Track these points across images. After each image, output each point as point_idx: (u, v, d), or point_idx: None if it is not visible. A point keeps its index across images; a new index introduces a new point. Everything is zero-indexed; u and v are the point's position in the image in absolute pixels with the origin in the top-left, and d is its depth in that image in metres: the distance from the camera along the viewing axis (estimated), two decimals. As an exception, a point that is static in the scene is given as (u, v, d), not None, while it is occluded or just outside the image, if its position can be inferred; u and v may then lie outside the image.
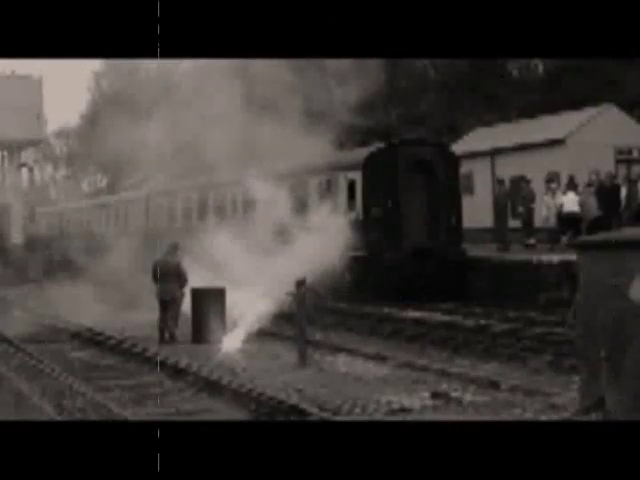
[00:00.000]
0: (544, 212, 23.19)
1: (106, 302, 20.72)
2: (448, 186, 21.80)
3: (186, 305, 16.23)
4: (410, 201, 21.28)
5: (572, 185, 22.85)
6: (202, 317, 15.86)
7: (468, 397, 10.44)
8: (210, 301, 15.94)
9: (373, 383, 11.62)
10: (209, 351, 14.61)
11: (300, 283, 13.46)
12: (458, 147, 29.19)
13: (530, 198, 23.90)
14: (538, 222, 23.71)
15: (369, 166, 21.22)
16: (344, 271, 19.26)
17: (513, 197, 25.47)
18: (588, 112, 29.04)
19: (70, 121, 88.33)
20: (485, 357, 13.90)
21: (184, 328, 16.04)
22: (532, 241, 23.39)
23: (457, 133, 35.36)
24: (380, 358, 13.41)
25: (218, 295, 16.05)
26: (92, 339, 16.83)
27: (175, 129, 22.73)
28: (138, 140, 22.65)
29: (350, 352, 14.16)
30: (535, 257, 20.16)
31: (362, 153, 22.10)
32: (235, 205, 25.82)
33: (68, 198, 56.68)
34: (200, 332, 15.79)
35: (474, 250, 22.52)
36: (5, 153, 37.68)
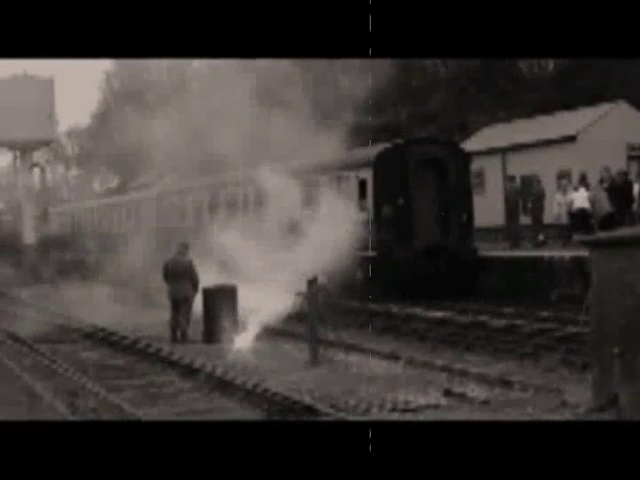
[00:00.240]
0: (555, 209, 23.12)
1: (119, 302, 20.75)
2: (459, 184, 21.74)
3: (197, 304, 16.26)
4: (421, 199, 21.21)
5: (583, 182, 22.77)
6: (214, 316, 15.85)
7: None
8: (222, 300, 15.91)
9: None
10: (221, 350, 14.61)
11: (311, 282, 13.44)
12: (469, 145, 29.11)
13: (539, 195, 23.83)
14: (549, 219, 23.63)
15: (380, 164, 21.18)
16: (356, 269, 19.19)
17: (524, 194, 25.39)
18: (600, 109, 28.90)
19: (81, 121, 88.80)
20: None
21: (195, 327, 16.06)
22: (541, 237, 23.36)
23: (468, 131, 35.28)
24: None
25: (229, 294, 16.04)
26: (105, 339, 16.87)
27: (186, 127, 22.71)
28: (149, 139, 22.67)
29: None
30: (547, 254, 20.04)
31: (373, 151, 22.07)
32: (246, 203, 25.84)
33: (80, 198, 56.93)
34: (212, 331, 15.78)
35: (485, 248, 22.39)
36: (17, 153, 37.75)
